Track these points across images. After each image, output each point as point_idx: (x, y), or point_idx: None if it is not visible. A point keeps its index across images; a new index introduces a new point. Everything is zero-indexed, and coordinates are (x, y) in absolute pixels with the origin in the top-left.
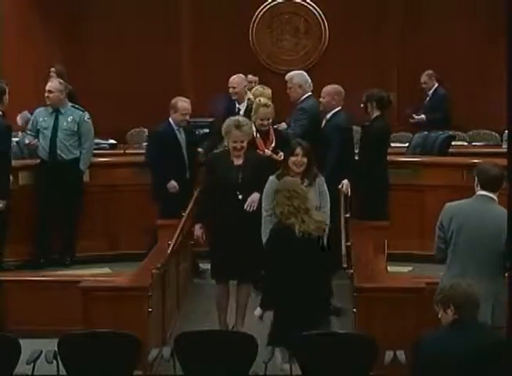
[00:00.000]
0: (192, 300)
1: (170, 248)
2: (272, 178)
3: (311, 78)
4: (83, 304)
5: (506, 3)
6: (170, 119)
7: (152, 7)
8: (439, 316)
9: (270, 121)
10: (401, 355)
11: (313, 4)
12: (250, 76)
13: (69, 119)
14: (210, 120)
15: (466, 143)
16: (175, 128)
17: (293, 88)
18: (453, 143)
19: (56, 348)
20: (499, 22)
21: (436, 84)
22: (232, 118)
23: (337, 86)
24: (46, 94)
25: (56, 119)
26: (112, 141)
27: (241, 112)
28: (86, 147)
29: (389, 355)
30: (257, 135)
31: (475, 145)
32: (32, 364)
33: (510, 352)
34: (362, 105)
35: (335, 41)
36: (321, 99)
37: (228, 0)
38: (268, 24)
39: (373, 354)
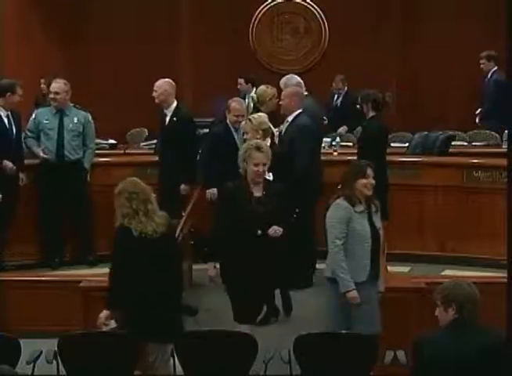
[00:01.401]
0: (192, 300)
1: None
2: (339, 201)
3: (311, 78)
4: (83, 304)
5: (507, 3)
6: (227, 120)
7: (152, 7)
8: (436, 313)
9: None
10: (401, 355)
11: (313, 4)
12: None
13: (74, 120)
14: (211, 120)
15: (466, 143)
16: (232, 128)
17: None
18: (453, 143)
19: (56, 348)
20: (499, 22)
21: (346, 89)
22: (250, 142)
23: (294, 87)
24: (52, 95)
25: (61, 120)
26: (112, 141)
27: (167, 118)
28: (91, 147)
29: (389, 355)
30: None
31: (475, 145)
32: (32, 364)
33: (510, 353)
34: (357, 106)
35: (335, 41)
36: (280, 102)
37: (228, 0)
38: (268, 24)
39: (373, 354)
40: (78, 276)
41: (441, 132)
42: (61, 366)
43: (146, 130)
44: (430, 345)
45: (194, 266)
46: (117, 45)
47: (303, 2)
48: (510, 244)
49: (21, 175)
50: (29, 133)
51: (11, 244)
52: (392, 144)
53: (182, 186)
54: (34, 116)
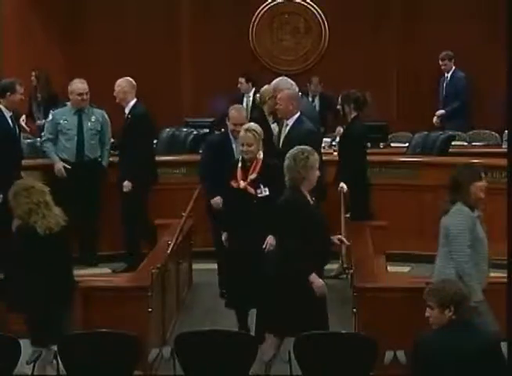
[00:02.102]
0: (192, 300)
1: (170, 248)
2: (460, 207)
3: (311, 78)
4: (83, 304)
5: (507, 3)
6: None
7: (152, 7)
8: (427, 314)
9: (253, 148)
10: (401, 355)
11: (313, 4)
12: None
13: (92, 119)
14: (211, 120)
15: (466, 143)
16: (231, 137)
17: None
18: (453, 143)
19: (56, 348)
20: (499, 22)
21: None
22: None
23: (290, 91)
24: (84, 96)
25: (80, 119)
26: (112, 140)
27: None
28: (109, 144)
29: (389, 355)
30: (239, 164)
31: (475, 145)
32: (32, 364)
33: (509, 352)
34: (338, 107)
35: (335, 41)
36: (277, 107)
37: (229, 0)
38: (268, 24)
39: (373, 354)
40: (78, 276)
41: (441, 132)
42: (61, 367)
43: None
44: (430, 345)
45: (194, 266)
46: (117, 44)
47: (303, 2)
48: (510, 244)
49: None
50: (49, 136)
51: None
52: (392, 144)
53: (125, 183)
54: (51, 117)
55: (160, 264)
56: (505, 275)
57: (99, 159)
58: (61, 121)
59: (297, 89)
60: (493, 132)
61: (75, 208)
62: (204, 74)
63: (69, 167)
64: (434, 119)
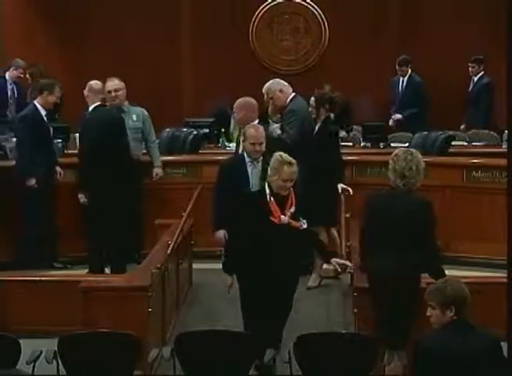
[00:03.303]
0: (192, 300)
1: (170, 248)
2: None
3: (311, 78)
4: (83, 304)
5: (506, 3)
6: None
7: (152, 7)
8: (428, 314)
9: (293, 182)
10: (401, 355)
11: (313, 4)
12: None
13: (134, 117)
14: (211, 120)
15: (466, 143)
16: (247, 160)
17: (274, 96)
18: (453, 143)
19: (56, 348)
20: (499, 22)
21: None
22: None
23: (248, 99)
24: (113, 94)
25: None
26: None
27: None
28: (153, 141)
29: (389, 355)
30: (271, 198)
31: (475, 145)
32: (32, 364)
33: (509, 352)
34: (311, 109)
35: (335, 41)
36: (235, 115)
37: (229, 0)
38: (269, 24)
39: (373, 354)
40: (78, 276)
41: (441, 132)
42: (61, 367)
43: None
44: (431, 346)
45: (194, 266)
46: (118, 45)
47: (303, 2)
48: (510, 244)
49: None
50: None
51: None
52: (392, 144)
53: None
54: None
55: (160, 264)
56: (505, 275)
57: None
58: None
59: (290, 90)
60: (493, 132)
61: (119, 206)
62: (204, 74)
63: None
64: (390, 122)
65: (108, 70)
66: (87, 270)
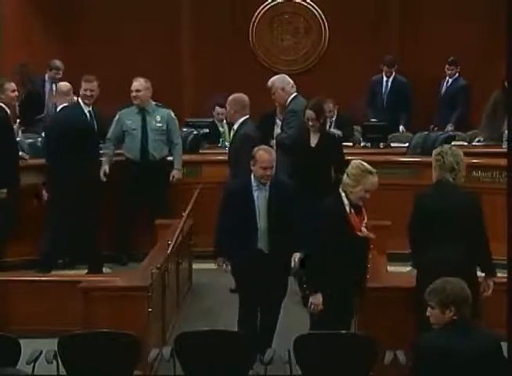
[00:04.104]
0: (192, 300)
1: (170, 248)
2: None
3: (311, 78)
4: (83, 304)
5: (507, 3)
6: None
7: (152, 7)
8: (428, 314)
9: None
10: (401, 355)
11: (313, 4)
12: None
13: (157, 118)
14: (210, 120)
15: (466, 143)
16: (254, 184)
17: (276, 93)
18: (453, 143)
19: (56, 348)
20: (499, 22)
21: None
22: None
23: (237, 95)
24: (134, 94)
25: (144, 119)
26: None
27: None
28: (178, 143)
29: (389, 355)
30: (351, 210)
31: (475, 145)
32: (32, 364)
33: (509, 352)
34: (312, 121)
35: (335, 41)
36: (226, 111)
37: (229, 0)
38: (269, 24)
39: (373, 354)
40: (78, 276)
41: (441, 132)
42: (61, 367)
43: None
44: (431, 345)
45: (194, 266)
46: (117, 45)
47: (303, 2)
48: (510, 244)
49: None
50: (110, 136)
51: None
52: (392, 144)
53: None
54: (117, 117)
55: (160, 264)
56: (505, 275)
57: (168, 158)
58: (126, 121)
59: (292, 90)
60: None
61: (138, 208)
62: (204, 74)
63: (104, 177)
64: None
65: (108, 69)
66: (86, 271)
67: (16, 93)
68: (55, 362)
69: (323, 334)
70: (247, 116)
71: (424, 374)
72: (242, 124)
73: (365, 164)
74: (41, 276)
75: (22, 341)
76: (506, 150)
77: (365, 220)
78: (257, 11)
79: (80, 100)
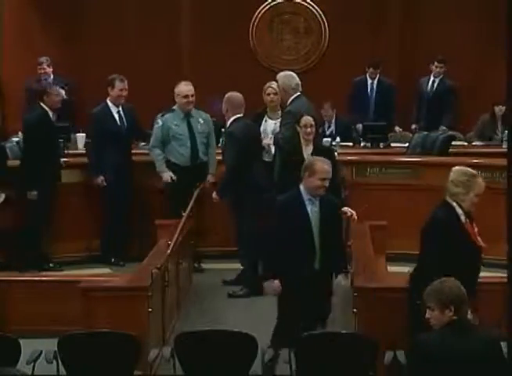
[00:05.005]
0: (192, 300)
1: (170, 248)
2: None
3: (311, 78)
4: (83, 304)
5: (507, 3)
6: (300, 186)
7: (152, 7)
8: (427, 315)
9: None
10: (401, 355)
11: (313, 4)
12: None
13: (200, 121)
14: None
15: (466, 143)
16: (305, 197)
17: (278, 91)
18: (453, 143)
19: (56, 348)
20: (499, 22)
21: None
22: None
23: (231, 94)
24: (190, 99)
25: (189, 123)
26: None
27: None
28: (213, 146)
29: (389, 355)
30: (467, 219)
31: (475, 145)
32: (32, 364)
33: (509, 352)
34: (310, 128)
35: (335, 41)
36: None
37: (229, 0)
38: (268, 24)
39: (373, 354)
40: (78, 276)
41: (441, 132)
42: (61, 367)
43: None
44: (430, 345)
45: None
46: (117, 45)
47: (303, 2)
48: (510, 244)
49: None
50: (157, 142)
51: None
52: (392, 144)
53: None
54: (160, 123)
55: (160, 264)
56: (505, 275)
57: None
58: (172, 127)
59: (295, 92)
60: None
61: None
62: (204, 74)
63: (174, 178)
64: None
65: (108, 69)
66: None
67: (60, 98)
68: (55, 362)
69: (323, 334)
70: (240, 115)
71: (423, 374)
72: (232, 122)
73: (468, 168)
74: (41, 276)
75: (22, 342)
76: (506, 149)
77: (476, 228)
78: (257, 11)
79: (108, 101)
